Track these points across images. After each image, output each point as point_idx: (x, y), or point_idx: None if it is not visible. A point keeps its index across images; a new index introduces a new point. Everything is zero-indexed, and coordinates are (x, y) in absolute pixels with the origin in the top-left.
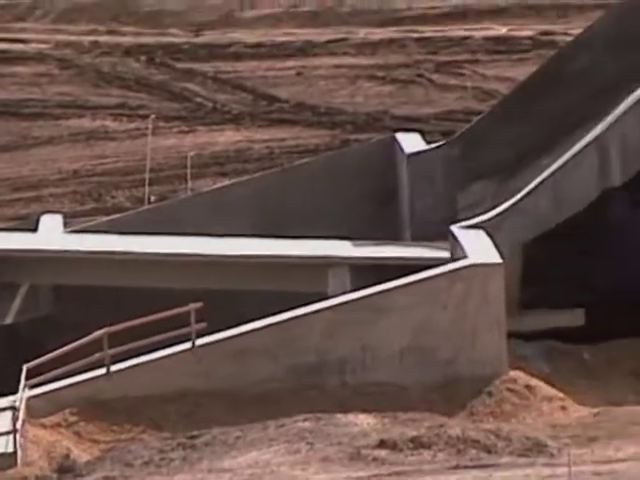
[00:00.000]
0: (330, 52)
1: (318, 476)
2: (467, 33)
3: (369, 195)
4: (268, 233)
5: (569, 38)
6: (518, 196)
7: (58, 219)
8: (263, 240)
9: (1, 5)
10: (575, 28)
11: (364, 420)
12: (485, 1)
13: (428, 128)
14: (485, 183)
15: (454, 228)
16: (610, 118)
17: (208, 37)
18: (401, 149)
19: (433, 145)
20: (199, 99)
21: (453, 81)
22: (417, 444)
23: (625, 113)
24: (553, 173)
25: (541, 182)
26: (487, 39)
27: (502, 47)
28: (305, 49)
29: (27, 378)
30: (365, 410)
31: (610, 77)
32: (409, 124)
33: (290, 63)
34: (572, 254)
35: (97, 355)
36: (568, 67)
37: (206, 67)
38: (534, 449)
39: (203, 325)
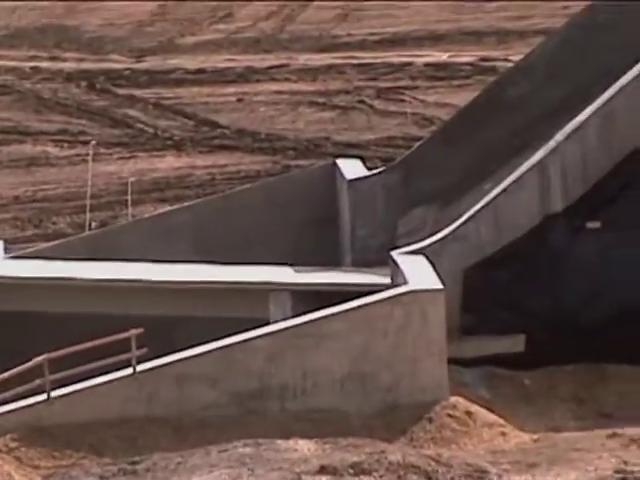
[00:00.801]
0: (271, 78)
1: None
2: (407, 59)
3: (310, 221)
4: (209, 259)
5: (510, 64)
6: (459, 222)
7: None
8: (204, 266)
9: None
10: (515, 54)
11: (305, 446)
12: (425, 27)
13: (369, 154)
14: (426, 209)
15: (395, 254)
16: (551, 144)
17: (149, 63)
18: (342, 175)
19: (374, 171)
20: (140, 125)
21: (393, 107)
22: (358, 470)
23: (566, 139)
24: (494, 199)
25: (482, 208)
26: (427, 65)
27: (442, 73)
28: (246, 75)
29: None
30: (306, 436)
31: (551, 103)
32: (350, 150)
33: (231, 89)
34: (513, 280)
35: (37, 381)
36: (509, 93)
37: (147, 93)
38: (474, 475)
39: (144, 351)
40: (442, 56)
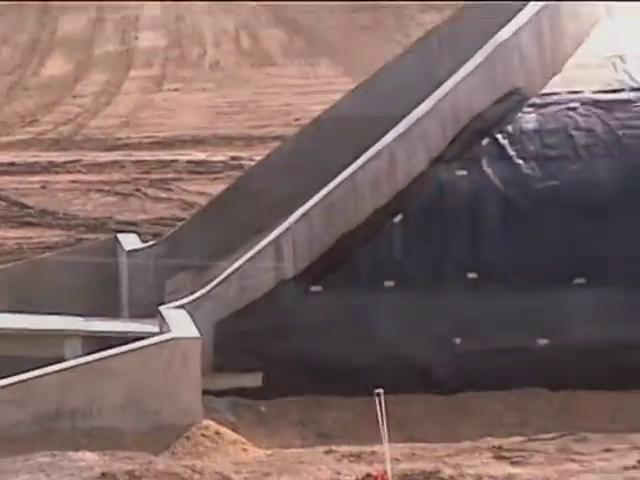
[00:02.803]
0: (67, 170)
1: None
2: (174, 157)
3: (97, 283)
4: (19, 311)
5: (253, 162)
6: (212, 284)
7: None
8: (14, 315)
9: None
10: (258, 155)
11: (90, 457)
12: (187, 132)
13: (143, 230)
14: (187, 273)
15: (162, 309)
16: (285, 224)
17: None
18: (122, 247)
19: (147, 244)
20: None
21: (162, 195)
22: (132, 476)
23: (296, 222)
24: (239, 267)
25: (230, 274)
26: (189, 162)
27: (201, 169)
28: (48, 168)
29: None
30: (91, 449)
31: (285, 194)
32: (128, 227)
33: (36, 178)
34: (254, 330)
35: None
36: (252, 185)
37: None
38: None
39: None
40: (201, 155)
